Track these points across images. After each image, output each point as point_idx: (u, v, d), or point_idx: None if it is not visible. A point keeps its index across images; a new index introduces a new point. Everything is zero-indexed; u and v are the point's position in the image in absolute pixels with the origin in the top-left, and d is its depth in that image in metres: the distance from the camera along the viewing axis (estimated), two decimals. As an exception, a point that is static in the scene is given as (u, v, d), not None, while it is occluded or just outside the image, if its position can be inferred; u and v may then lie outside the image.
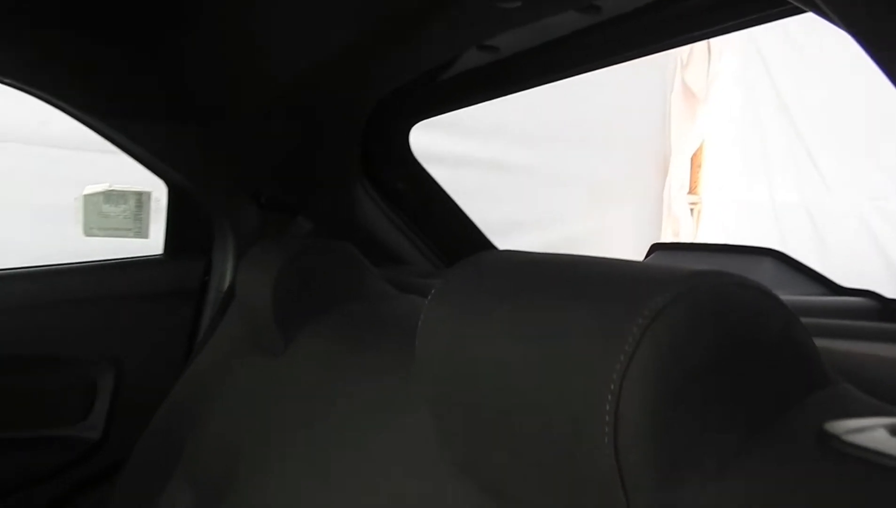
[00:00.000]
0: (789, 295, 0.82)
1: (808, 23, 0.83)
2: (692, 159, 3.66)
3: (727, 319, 0.36)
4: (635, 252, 2.24)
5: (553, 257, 0.46)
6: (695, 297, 0.36)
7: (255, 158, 1.35)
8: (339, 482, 0.67)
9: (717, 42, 3.35)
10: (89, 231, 1.35)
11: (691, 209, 3.67)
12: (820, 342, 0.41)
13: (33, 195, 1.95)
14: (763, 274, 0.97)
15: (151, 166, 1.31)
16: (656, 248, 1.27)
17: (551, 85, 1.20)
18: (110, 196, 1.34)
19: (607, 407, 0.35)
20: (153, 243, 1.41)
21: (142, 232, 1.39)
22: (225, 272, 1.41)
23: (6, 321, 1.30)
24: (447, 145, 2.67)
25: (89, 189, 1.34)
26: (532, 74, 1.16)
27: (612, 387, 0.35)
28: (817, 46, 3.04)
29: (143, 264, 1.43)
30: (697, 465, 0.35)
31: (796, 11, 0.68)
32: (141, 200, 1.37)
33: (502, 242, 1.39)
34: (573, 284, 0.41)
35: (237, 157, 1.35)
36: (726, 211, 3.55)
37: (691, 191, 3.69)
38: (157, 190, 1.40)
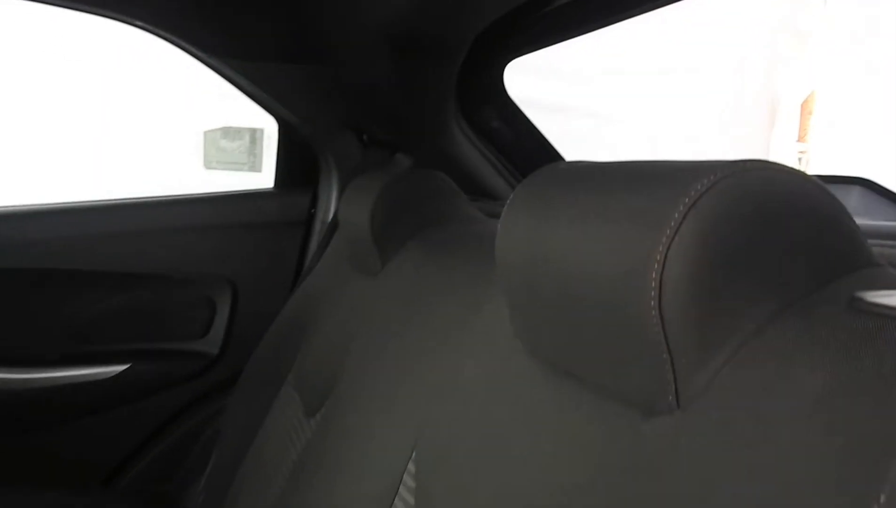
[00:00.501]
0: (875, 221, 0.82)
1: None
2: (802, 106, 3.49)
3: (769, 198, 0.40)
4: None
5: (616, 162, 0.51)
6: (739, 178, 0.40)
7: (358, 97, 1.43)
8: (426, 382, 0.75)
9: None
10: (209, 164, 1.48)
11: (799, 158, 3.52)
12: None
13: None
14: (851, 201, 0.96)
15: (265, 105, 1.42)
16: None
17: (651, 27, 1.19)
18: (227, 132, 1.46)
19: (653, 276, 0.40)
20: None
21: (255, 166, 1.51)
22: (329, 205, 1.51)
23: (142, 243, 1.46)
24: (547, 91, 2.67)
25: (209, 127, 1.47)
26: (632, 2, 1.15)
27: (658, 258, 0.40)
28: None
29: (256, 195, 1.56)
30: (736, 329, 0.40)
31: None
32: (255, 136, 1.49)
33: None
34: (631, 176, 0.46)
35: (342, 96, 1.43)
36: (836, 160, 3.38)
37: (800, 139, 3.53)
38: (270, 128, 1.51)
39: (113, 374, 1.44)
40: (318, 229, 1.53)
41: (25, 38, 2.29)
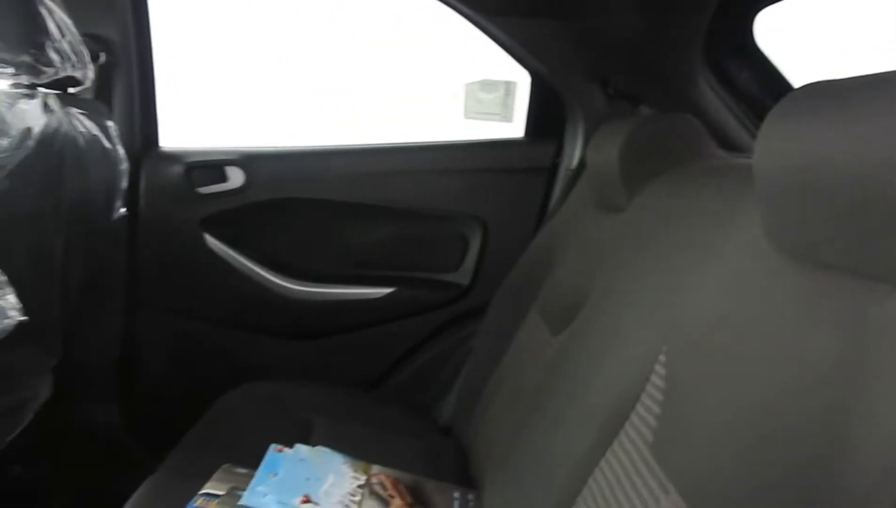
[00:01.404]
0: None
1: None
2: None
3: None
4: None
5: (872, 75, 0.55)
6: None
7: (606, 50, 1.50)
8: (676, 286, 0.83)
9: None
10: (468, 114, 1.65)
11: None
12: None
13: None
14: None
15: (519, 58, 1.55)
16: None
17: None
18: (485, 85, 1.61)
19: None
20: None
21: (507, 117, 1.65)
22: (574, 153, 1.61)
23: (409, 182, 1.68)
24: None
25: (470, 80, 1.63)
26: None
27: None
28: None
29: (507, 143, 1.72)
30: None
31: None
32: (509, 88, 1.63)
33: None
34: (886, 82, 0.51)
35: (590, 49, 1.51)
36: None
37: None
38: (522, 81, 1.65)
39: (381, 295, 1.68)
40: (562, 175, 1.64)
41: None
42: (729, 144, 1.53)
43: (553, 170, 1.66)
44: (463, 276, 1.71)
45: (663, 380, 0.75)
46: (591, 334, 1.01)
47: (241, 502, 0.97)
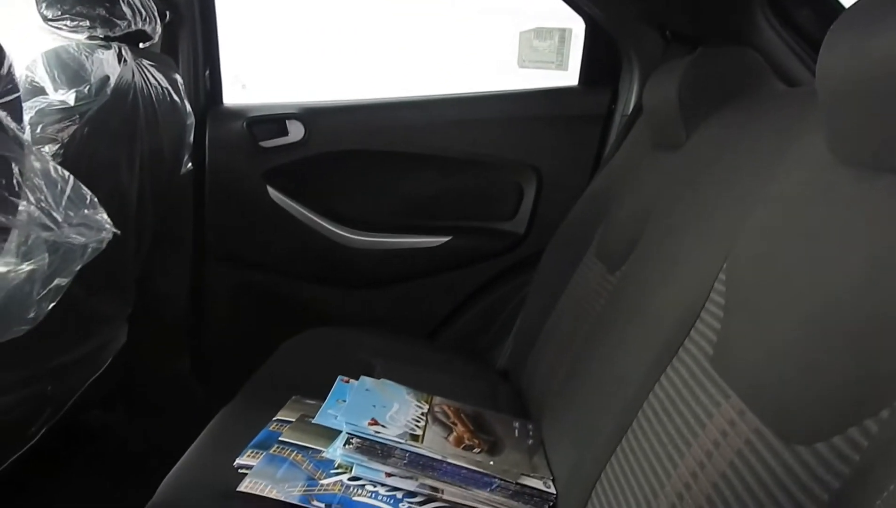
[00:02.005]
0: None
1: None
2: None
3: None
4: None
5: None
6: None
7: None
8: (740, 201, 0.83)
9: None
10: (522, 63, 1.66)
11: None
12: None
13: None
14: None
15: (573, 3, 1.54)
16: None
17: None
18: (539, 33, 1.61)
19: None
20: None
21: (562, 64, 1.65)
22: (629, 99, 1.61)
23: (463, 132, 1.71)
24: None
25: (524, 28, 1.64)
26: None
27: None
28: None
29: (562, 92, 1.72)
30: None
31: None
32: (563, 35, 1.63)
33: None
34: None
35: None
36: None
37: None
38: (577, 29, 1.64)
39: (438, 244, 1.71)
40: (617, 121, 1.64)
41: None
42: (790, 82, 1.51)
43: (608, 117, 1.66)
44: (518, 224, 1.73)
45: (723, 296, 0.77)
46: (650, 263, 1.03)
47: (314, 421, 1.02)
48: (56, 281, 0.76)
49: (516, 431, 1.12)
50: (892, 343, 0.51)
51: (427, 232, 1.72)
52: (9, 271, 0.75)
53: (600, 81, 1.67)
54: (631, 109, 1.60)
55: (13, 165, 0.68)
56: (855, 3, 0.65)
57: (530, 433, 1.12)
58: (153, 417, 1.71)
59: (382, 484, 0.93)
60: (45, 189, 0.71)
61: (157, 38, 1.38)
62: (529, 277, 1.61)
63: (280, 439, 1.01)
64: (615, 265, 1.20)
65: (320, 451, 0.98)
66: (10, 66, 0.74)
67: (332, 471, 0.95)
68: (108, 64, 1.16)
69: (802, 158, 0.74)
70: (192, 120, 1.48)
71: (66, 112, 1.08)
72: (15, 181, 0.68)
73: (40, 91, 1.07)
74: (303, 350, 1.44)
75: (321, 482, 0.92)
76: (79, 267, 0.77)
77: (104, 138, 1.15)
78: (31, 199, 0.69)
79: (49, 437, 1.31)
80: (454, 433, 1.06)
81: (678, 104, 1.13)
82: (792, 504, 0.54)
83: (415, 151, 1.70)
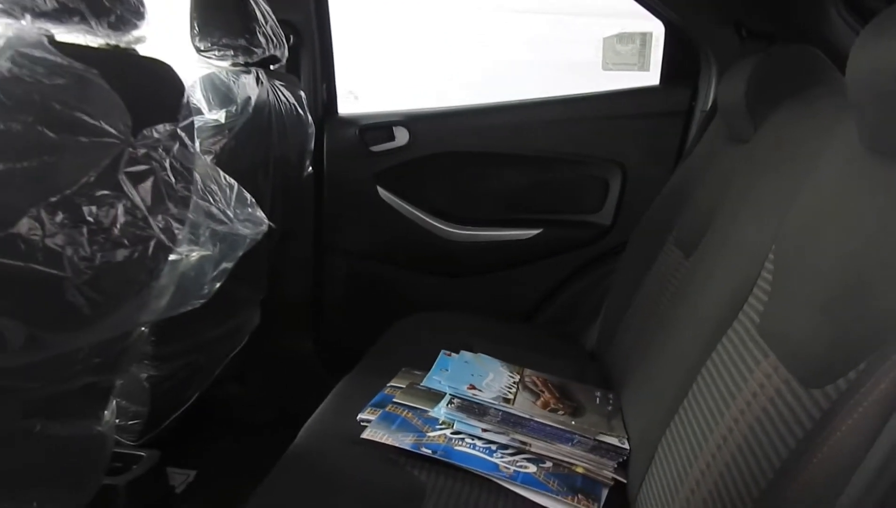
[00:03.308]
0: None
1: None
2: None
3: None
4: None
5: None
6: None
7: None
8: (786, 193, 0.95)
9: None
10: (606, 66, 1.79)
11: None
12: None
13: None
14: None
15: (654, 9, 1.66)
16: None
17: None
18: (622, 37, 1.74)
19: None
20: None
21: (644, 66, 1.77)
22: (708, 96, 1.71)
23: (552, 132, 1.86)
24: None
25: (608, 34, 1.77)
26: None
27: None
28: None
29: (643, 91, 1.84)
30: None
31: None
32: (644, 39, 1.74)
33: None
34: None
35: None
36: None
37: None
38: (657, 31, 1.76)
39: (530, 236, 1.87)
40: (697, 118, 1.74)
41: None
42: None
43: (689, 113, 1.76)
44: (605, 216, 1.86)
45: (771, 274, 0.89)
46: (715, 247, 1.15)
47: (422, 384, 1.20)
48: (223, 265, 0.97)
49: (597, 399, 1.26)
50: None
51: (520, 225, 1.88)
52: (183, 257, 0.97)
53: (680, 80, 1.78)
54: (709, 106, 1.69)
55: (196, 174, 0.89)
56: (887, 10, 0.76)
57: (610, 401, 1.27)
58: (281, 389, 1.95)
59: (479, 438, 1.10)
60: (217, 192, 0.92)
61: (284, 60, 1.61)
62: (615, 265, 1.74)
63: (394, 400, 1.20)
64: (689, 251, 1.32)
65: (427, 411, 1.16)
66: (188, 96, 0.96)
67: (437, 427, 1.12)
68: (249, 86, 1.39)
69: (839, 149, 0.86)
70: (312, 129, 1.69)
71: (217, 129, 1.31)
72: (198, 187, 0.89)
73: (198, 111, 1.31)
74: (410, 331, 1.63)
75: (428, 434, 1.10)
76: (241, 253, 0.98)
77: (246, 149, 1.38)
78: (210, 200, 0.90)
79: (196, 403, 1.56)
80: (541, 399, 1.22)
81: (745, 100, 1.24)
82: (804, 435, 0.67)
83: (507, 151, 1.86)
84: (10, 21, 0.74)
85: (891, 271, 0.66)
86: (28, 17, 0.75)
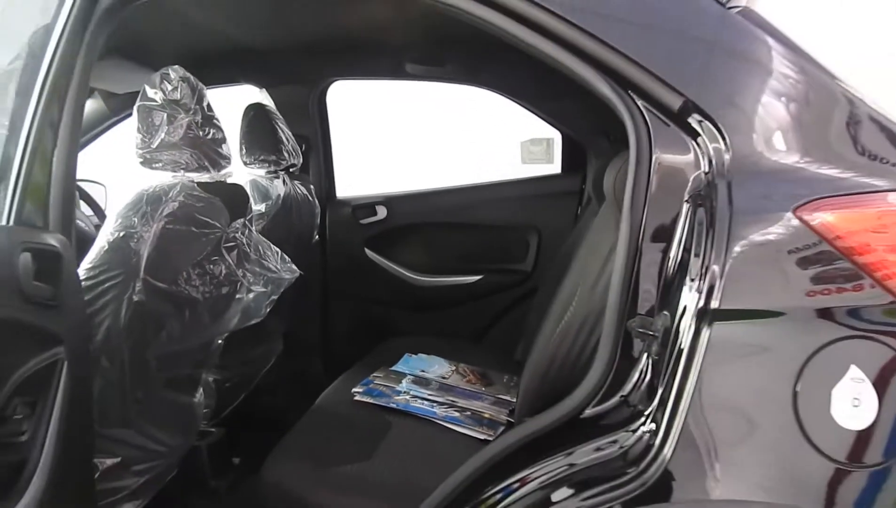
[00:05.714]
0: None
1: None
2: None
3: None
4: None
5: None
6: None
7: (603, 113, 2.35)
8: (584, 256, 1.70)
9: None
10: (524, 161, 2.56)
11: None
12: None
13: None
14: None
15: (554, 125, 2.44)
16: None
17: None
18: (534, 141, 2.52)
19: None
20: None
21: (550, 160, 2.54)
22: (590, 180, 2.47)
23: (488, 207, 2.61)
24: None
25: (523, 138, 2.54)
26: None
27: None
28: None
29: (550, 178, 2.62)
30: None
31: None
32: (549, 142, 2.52)
33: None
34: None
35: (597, 115, 2.36)
36: None
37: None
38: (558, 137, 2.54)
39: (473, 281, 2.61)
40: (585, 196, 2.50)
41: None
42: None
43: (581, 193, 2.52)
44: (527, 265, 2.61)
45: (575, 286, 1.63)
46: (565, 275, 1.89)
47: (391, 369, 1.93)
48: (271, 297, 1.72)
49: (504, 379, 1.98)
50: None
51: (467, 273, 2.62)
52: (254, 294, 1.72)
53: (574, 170, 2.55)
54: (591, 187, 2.45)
55: (261, 246, 1.65)
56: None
57: (514, 381, 1.98)
58: (300, 400, 2.65)
59: (426, 399, 1.81)
60: (269, 255, 1.67)
61: (299, 164, 2.38)
62: (534, 299, 2.47)
63: (375, 382, 1.91)
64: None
65: (395, 386, 1.87)
66: (251, 203, 1.72)
67: (401, 393, 1.84)
68: (279, 187, 2.15)
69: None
70: (318, 210, 2.45)
71: (260, 216, 2.06)
72: (258, 252, 1.65)
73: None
74: (387, 348, 2.35)
75: (395, 398, 1.81)
76: (282, 291, 1.73)
77: (278, 228, 2.13)
78: (264, 258, 1.66)
79: (238, 411, 2.25)
80: (466, 378, 1.94)
81: (594, 189, 1.99)
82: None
83: (457, 220, 2.62)
84: (176, 173, 1.50)
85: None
86: (181, 171, 1.51)
